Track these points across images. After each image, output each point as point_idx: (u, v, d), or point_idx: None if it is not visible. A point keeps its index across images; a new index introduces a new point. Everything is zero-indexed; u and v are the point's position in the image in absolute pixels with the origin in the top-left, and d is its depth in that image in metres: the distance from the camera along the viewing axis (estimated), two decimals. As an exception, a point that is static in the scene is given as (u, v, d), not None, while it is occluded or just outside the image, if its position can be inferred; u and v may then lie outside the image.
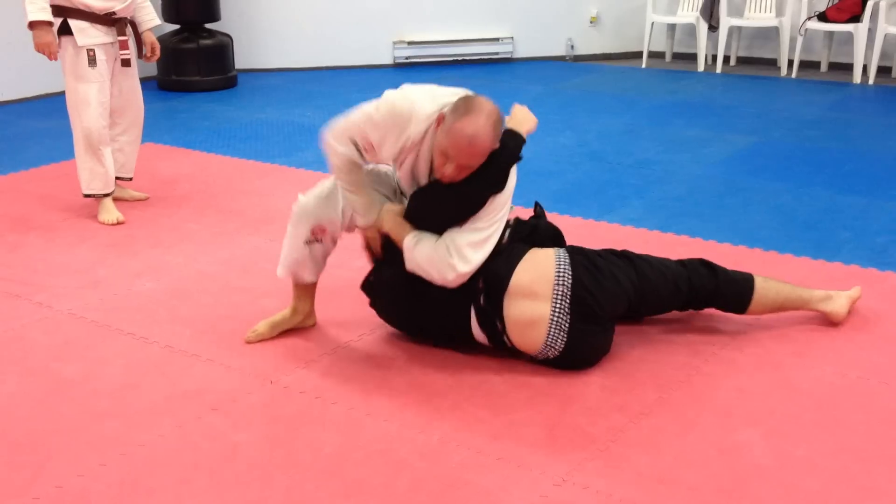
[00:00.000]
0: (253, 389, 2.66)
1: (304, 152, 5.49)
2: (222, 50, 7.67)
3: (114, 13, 4.04)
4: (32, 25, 3.91)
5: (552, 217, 4.11)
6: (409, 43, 8.34)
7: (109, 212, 4.19)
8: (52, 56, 3.99)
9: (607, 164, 5.07)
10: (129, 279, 3.51)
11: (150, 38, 4.32)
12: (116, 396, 2.62)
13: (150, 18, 4.29)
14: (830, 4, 7.41)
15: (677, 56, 8.44)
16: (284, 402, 2.59)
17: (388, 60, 8.40)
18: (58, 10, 3.97)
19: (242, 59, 8.10)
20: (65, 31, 3.99)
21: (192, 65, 7.57)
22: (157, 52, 4.34)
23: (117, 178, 4.39)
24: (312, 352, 2.89)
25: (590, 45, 8.62)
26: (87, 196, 4.21)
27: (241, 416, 2.51)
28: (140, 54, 4.33)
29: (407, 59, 8.38)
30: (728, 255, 3.62)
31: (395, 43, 8.33)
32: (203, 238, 3.98)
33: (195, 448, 2.36)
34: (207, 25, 7.65)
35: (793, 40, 7.57)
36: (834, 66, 7.71)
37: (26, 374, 2.76)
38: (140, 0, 4.20)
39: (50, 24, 3.92)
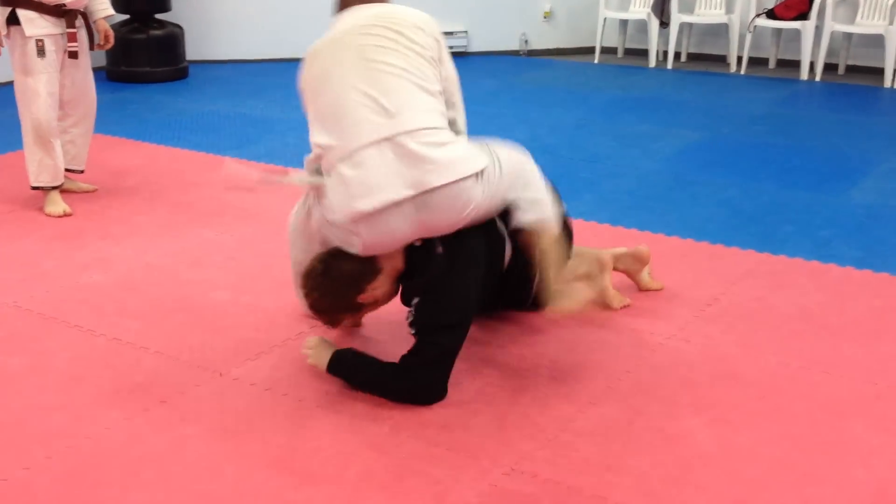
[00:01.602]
0: (202, 382, 2.64)
1: (255, 145, 5.45)
2: (173, 41, 7.58)
3: (63, 5, 3.98)
4: None
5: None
6: (363, 35, 8.30)
7: (56, 204, 4.12)
8: None
9: (559, 158, 5.11)
10: (76, 271, 3.46)
11: (104, 27, 4.27)
12: (62, 389, 2.59)
13: (104, 8, 4.24)
14: (778, 2, 7.54)
15: (629, 52, 8.53)
16: (234, 395, 2.58)
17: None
18: (7, 0, 3.90)
19: (194, 50, 8.00)
20: (13, 20, 3.92)
21: (142, 55, 7.46)
22: (111, 41, 4.29)
23: (69, 170, 4.32)
24: (262, 343, 2.87)
25: (543, 39, 8.67)
26: (34, 188, 4.14)
27: (189, 409, 2.49)
28: (92, 44, 4.27)
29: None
30: (676, 248, 3.68)
31: (348, 35, 8.29)
32: (152, 230, 3.93)
33: (143, 441, 2.34)
34: (158, 16, 7.55)
35: (742, 37, 7.69)
36: (782, 63, 7.85)
37: (-31, 368, 2.71)
38: None
39: None
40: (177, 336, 2.93)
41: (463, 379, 2.65)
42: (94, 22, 4.22)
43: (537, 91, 7.04)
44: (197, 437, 2.36)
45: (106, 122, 5.76)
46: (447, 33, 8.34)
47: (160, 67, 7.48)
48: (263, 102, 6.65)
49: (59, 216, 4.07)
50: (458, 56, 8.31)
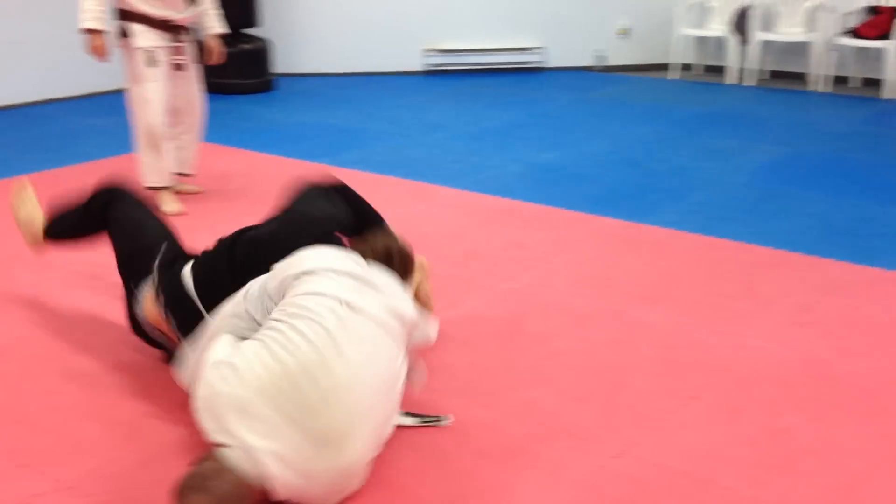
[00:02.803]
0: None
1: (347, 153, 5.64)
2: (261, 54, 7.87)
3: (170, 21, 4.22)
4: (85, 31, 4.12)
5: (592, 219, 4.26)
6: (441, 51, 8.51)
7: (171, 203, 4.37)
8: (101, 59, 4.24)
9: (642, 170, 5.20)
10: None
11: (211, 44, 4.53)
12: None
13: (214, 26, 4.51)
14: (862, 21, 7.53)
15: (706, 69, 8.57)
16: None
17: (418, 67, 8.58)
18: (121, 14, 4.18)
19: (280, 62, 8.28)
20: (126, 33, 4.18)
21: (232, 68, 7.74)
22: (218, 58, 4.54)
23: (180, 174, 4.58)
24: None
25: (618, 55, 8.76)
26: (147, 188, 4.38)
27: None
28: (201, 59, 4.52)
29: (437, 66, 8.55)
30: (769, 258, 3.75)
31: (425, 50, 8.51)
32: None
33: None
34: (247, 30, 7.85)
35: (822, 55, 7.69)
36: (864, 82, 7.82)
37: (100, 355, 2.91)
38: (208, 7, 4.42)
39: (100, 31, 4.13)
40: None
41: (568, 372, 2.76)
42: (207, 38, 4.49)
43: (615, 105, 7.14)
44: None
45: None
46: (523, 49, 8.51)
47: (249, 79, 7.77)
48: (349, 113, 6.87)
49: (175, 215, 4.30)
50: (534, 71, 8.51)
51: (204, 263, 2.57)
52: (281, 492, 1.99)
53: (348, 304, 2.13)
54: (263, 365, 2.03)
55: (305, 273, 2.22)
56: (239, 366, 2.05)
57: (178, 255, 2.72)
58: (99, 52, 4.19)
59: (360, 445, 2.05)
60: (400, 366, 2.23)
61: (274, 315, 2.17)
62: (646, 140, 5.97)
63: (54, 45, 6.87)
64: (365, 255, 2.42)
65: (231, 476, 1.93)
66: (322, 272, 2.22)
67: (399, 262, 2.49)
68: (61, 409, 2.57)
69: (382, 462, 2.28)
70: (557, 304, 3.29)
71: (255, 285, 2.33)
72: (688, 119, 6.62)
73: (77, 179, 4.89)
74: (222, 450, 1.97)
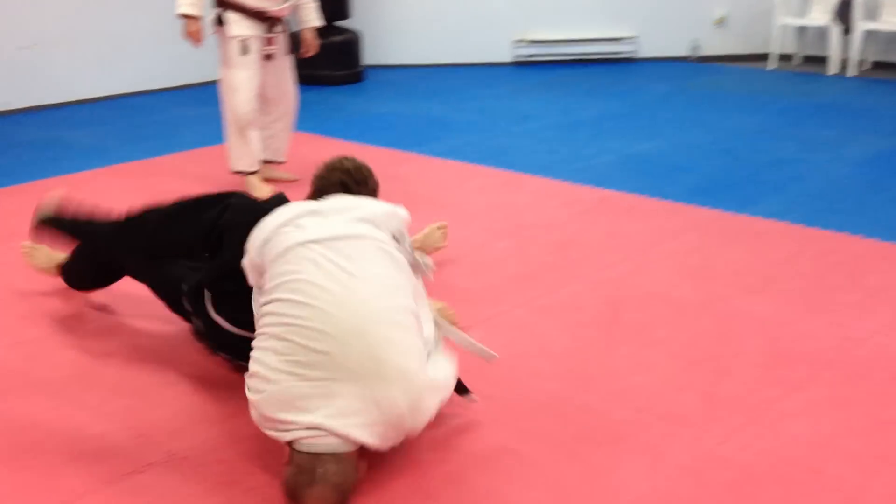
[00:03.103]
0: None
1: (437, 142, 5.68)
2: (351, 46, 7.97)
3: (265, 12, 4.31)
4: (182, 16, 4.24)
5: (690, 209, 4.19)
6: (531, 41, 8.48)
7: (259, 188, 4.46)
8: (196, 43, 4.34)
9: (741, 161, 5.09)
10: (291, 249, 3.73)
11: (306, 36, 4.61)
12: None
13: (310, 19, 4.59)
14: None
15: (806, 59, 8.33)
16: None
17: (508, 58, 8.56)
18: (218, 2, 4.29)
19: (369, 54, 8.38)
20: (222, 21, 4.28)
21: (322, 60, 7.84)
22: (312, 50, 4.61)
23: (271, 161, 4.67)
24: (474, 316, 3.05)
25: (714, 45, 8.59)
26: (234, 172, 4.49)
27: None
28: (293, 50, 4.59)
29: (528, 57, 8.53)
30: (877, 250, 3.63)
31: (516, 41, 8.48)
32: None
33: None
34: (338, 23, 7.95)
35: (929, 45, 7.41)
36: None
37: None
38: (306, 0, 4.50)
39: (196, 17, 4.24)
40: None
41: (669, 360, 2.74)
42: (302, 31, 4.57)
43: (711, 95, 7.00)
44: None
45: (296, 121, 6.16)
46: (615, 39, 8.42)
47: (340, 71, 7.88)
48: (438, 103, 6.90)
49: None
50: (626, 62, 8.41)
51: (226, 303, 2.52)
52: (377, 443, 2.03)
53: (314, 241, 2.13)
54: (276, 354, 2.05)
55: (265, 243, 2.22)
56: (260, 371, 2.08)
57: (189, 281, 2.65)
58: (194, 37, 4.30)
59: (401, 358, 2.05)
60: (397, 260, 2.23)
61: (262, 300, 2.18)
62: (744, 131, 5.84)
63: (156, 39, 7.10)
64: (322, 192, 2.46)
65: (329, 458, 1.97)
66: (278, 231, 2.21)
67: (357, 176, 2.53)
68: (175, 383, 2.66)
69: (481, 439, 2.30)
70: (656, 293, 3.25)
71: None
72: (788, 110, 6.45)
73: (177, 168, 5.06)
74: (300, 443, 2.01)
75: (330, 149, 5.57)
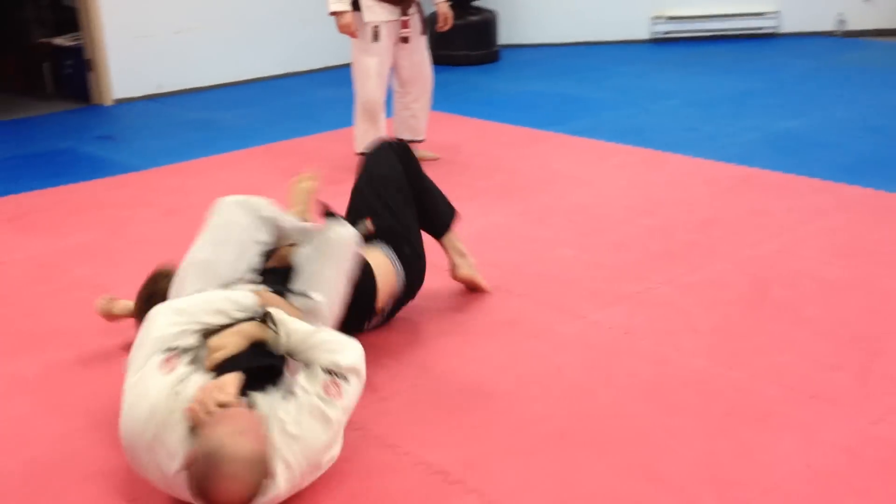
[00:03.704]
0: (565, 322, 2.90)
1: (576, 121, 5.69)
2: (488, 25, 8.03)
3: None
4: (332, 14, 4.38)
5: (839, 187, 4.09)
6: (669, 18, 8.32)
7: None
8: (353, 35, 4.44)
9: (891, 139, 4.90)
10: (435, 225, 3.86)
11: (443, 10, 4.71)
12: (448, 319, 2.96)
13: None
14: None
15: (964, 31, 7.89)
16: (596, 334, 2.81)
17: (645, 35, 8.44)
18: None
19: (504, 34, 8.41)
20: (355, 7, 4.41)
21: (459, 40, 7.97)
22: (449, 23, 4.70)
23: (412, 140, 4.79)
24: (613, 294, 3.09)
25: (862, 20, 8.21)
26: (358, 154, 4.61)
27: (559, 343, 2.76)
28: (427, 30, 4.66)
29: (665, 34, 8.38)
30: None
31: (653, 18, 8.35)
32: (494, 194, 4.28)
33: (521, 365, 2.63)
34: (474, 3, 8.02)
35: None
36: None
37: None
38: None
39: (346, 11, 4.35)
40: (534, 283, 3.21)
41: (819, 339, 2.71)
42: (437, 4, 4.67)
43: (859, 72, 6.73)
44: (569, 366, 2.62)
45: (434, 101, 6.28)
46: (756, 14, 8.17)
47: (476, 51, 7.95)
48: (575, 82, 6.89)
49: None
50: (767, 38, 8.15)
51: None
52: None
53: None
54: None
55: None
56: None
57: None
58: (348, 31, 4.43)
59: None
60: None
61: None
62: (894, 108, 5.60)
63: (300, 23, 7.36)
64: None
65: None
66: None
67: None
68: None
69: (630, 414, 2.35)
70: (805, 272, 3.21)
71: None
72: (943, 85, 6.15)
73: (319, 148, 5.26)
74: None
75: (467, 128, 5.71)
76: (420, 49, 4.62)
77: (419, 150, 4.87)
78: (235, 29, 7.29)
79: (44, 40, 7.38)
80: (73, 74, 6.94)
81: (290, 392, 2.07)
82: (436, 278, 3.28)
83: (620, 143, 5.07)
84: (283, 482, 1.98)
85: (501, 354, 2.71)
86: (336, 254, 2.48)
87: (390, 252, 2.77)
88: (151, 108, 6.63)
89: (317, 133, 5.67)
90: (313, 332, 2.19)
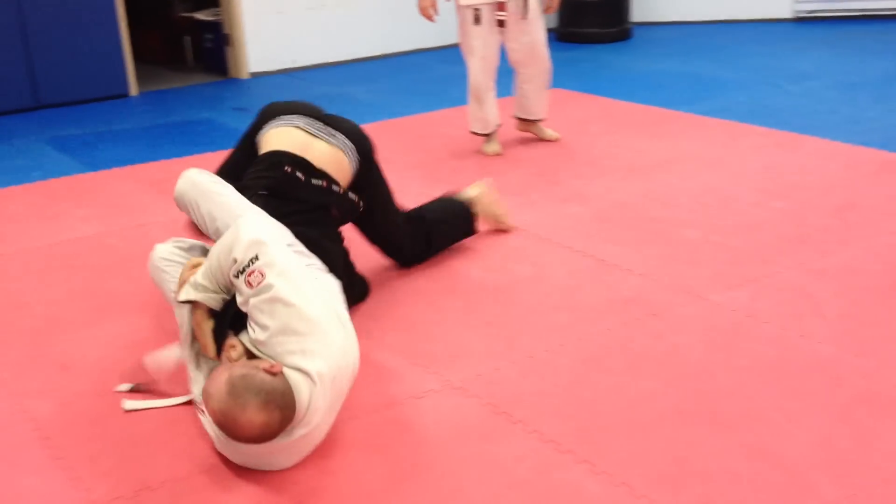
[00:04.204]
0: (686, 302, 2.85)
1: (707, 101, 5.54)
2: (619, 3, 7.90)
3: None
4: None
5: None
6: (815, -5, 7.99)
7: (489, 145, 4.64)
8: (430, 18, 4.48)
9: None
10: (558, 203, 3.85)
11: None
12: (564, 294, 2.96)
13: None
14: None
15: None
16: (717, 316, 2.75)
17: (787, 14, 8.11)
18: None
19: (636, 12, 8.26)
20: None
21: (590, 18, 7.88)
22: (555, 6, 4.57)
23: (527, 119, 4.76)
24: (737, 277, 3.01)
25: None
26: (472, 133, 4.67)
27: (678, 323, 2.72)
28: (536, 11, 4.53)
29: (810, 12, 8.03)
30: None
31: (798, -5, 8.03)
32: (620, 172, 4.22)
33: (640, 343, 2.61)
34: (606, -20, 7.91)
35: None
36: None
37: (486, 271, 3.18)
38: None
39: None
40: (655, 263, 3.17)
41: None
42: None
43: None
44: (688, 346, 2.58)
45: (561, 78, 6.23)
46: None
47: (607, 28, 7.84)
48: (709, 61, 6.70)
49: (492, 155, 4.59)
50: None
51: None
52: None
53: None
54: None
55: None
56: None
57: None
58: (425, 14, 4.48)
59: None
60: None
61: None
62: None
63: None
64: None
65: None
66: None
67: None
68: (446, 321, 2.86)
69: (747, 396, 2.30)
70: (947, 261, 3.05)
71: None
72: None
73: (445, 123, 5.31)
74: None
75: (595, 106, 5.64)
76: (531, 31, 4.45)
77: (542, 130, 4.83)
78: (366, 6, 7.42)
79: (185, 15, 7.70)
80: (212, 48, 7.22)
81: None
82: (549, 254, 3.29)
83: (755, 125, 4.91)
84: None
85: (618, 331, 2.70)
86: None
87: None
88: (285, 81, 6.85)
89: (442, 109, 5.72)
90: (209, 257, 2.23)
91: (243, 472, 2.12)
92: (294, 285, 2.09)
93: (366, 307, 2.94)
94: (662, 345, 2.60)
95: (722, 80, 6.11)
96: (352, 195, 2.80)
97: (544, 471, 2.07)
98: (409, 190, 4.02)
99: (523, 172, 4.31)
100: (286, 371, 2.02)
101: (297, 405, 2.01)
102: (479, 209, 3.39)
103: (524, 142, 4.78)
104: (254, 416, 1.95)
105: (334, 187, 2.71)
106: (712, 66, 6.55)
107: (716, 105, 5.42)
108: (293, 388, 2.00)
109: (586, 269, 3.15)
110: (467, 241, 3.42)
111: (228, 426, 1.99)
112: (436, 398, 2.41)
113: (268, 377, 1.98)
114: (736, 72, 6.29)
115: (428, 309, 2.94)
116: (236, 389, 1.96)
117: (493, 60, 4.50)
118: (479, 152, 4.65)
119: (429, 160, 4.59)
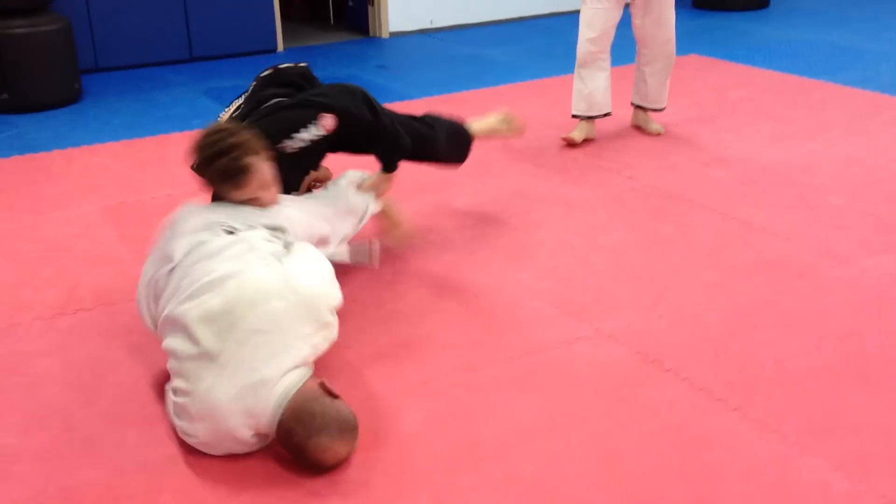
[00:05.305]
0: (832, 266, 2.92)
1: (847, 72, 5.47)
2: (758, -30, 7.76)
3: None
4: None
5: None
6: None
7: (577, 131, 4.26)
8: None
9: None
10: (699, 167, 3.92)
11: None
12: (710, 254, 3.06)
13: None
14: None
15: None
16: (864, 280, 2.82)
17: (935, -16, 7.81)
18: None
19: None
20: None
21: (727, -18, 7.76)
22: None
23: (641, 106, 4.42)
24: (884, 245, 3.05)
25: None
26: (573, 116, 4.29)
27: (825, 285, 2.79)
28: None
29: (960, -17, 7.72)
30: None
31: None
32: (762, 139, 4.25)
33: (787, 303, 2.70)
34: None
35: None
36: None
37: (630, 230, 3.30)
38: None
39: None
40: (801, 227, 3.23)
41: None
42: None
43: None
44: (836, 306, 2.66)
45: (698, 45, 6.23)
46: None
47: (744, -4, 7.72)
48: (851, 32, 6.56)
49: (568, 143, 4.25)
50: None
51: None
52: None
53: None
54: None
55: None
56: None
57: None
58: None
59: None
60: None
61: None
62: None
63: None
64: None
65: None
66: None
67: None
68: (594, 274, 2.99)
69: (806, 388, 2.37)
70: None
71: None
72: None
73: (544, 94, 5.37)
74: None
75: (733, 73, 5.62)
76: (657, 8, 4.11)
77: (649, 123, 4.43)
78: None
79: (330, -26, 7.95)
80: (355, 7, 7.45)
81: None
82: (692, 214, 3.38)
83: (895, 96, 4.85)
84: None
85: (765, 291, 2.79)
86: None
87: None
88: (423, 42, 7.03)
89: (550, 76, 5.74)
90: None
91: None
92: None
93: (516, 256, 3.10)
94: (810, 305, 2.68)
95: (862, 50, 5.99)
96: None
97: (697, 416, 2.20)
98: (549, 151, 4.15)
99: (660, 137, 4.37)
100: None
101: None
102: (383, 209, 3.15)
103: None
104: None
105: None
106: (852, 36, 6.41)
107: (856, 76, 5.34)
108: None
109: (731, 231, 3.23)
110: (605, 200, 3.55)
111: None
112: (587, 345, 2.55)
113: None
114: (878, 43, 6.15)
115: (576, 262, 3.07)
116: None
117: (603, 33, 4.11)
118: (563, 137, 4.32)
119: (568, 123, 4.68)
